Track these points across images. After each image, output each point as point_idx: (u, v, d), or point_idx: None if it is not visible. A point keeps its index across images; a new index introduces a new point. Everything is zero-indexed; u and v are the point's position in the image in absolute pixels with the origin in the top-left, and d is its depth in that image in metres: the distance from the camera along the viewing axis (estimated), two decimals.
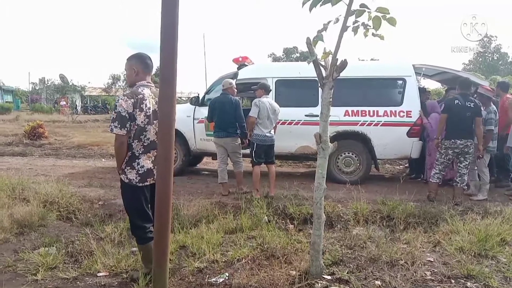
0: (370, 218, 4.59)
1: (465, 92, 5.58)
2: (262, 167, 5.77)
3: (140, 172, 2.93)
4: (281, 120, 6.38)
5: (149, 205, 3.01)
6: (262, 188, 5.69)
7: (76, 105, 35.59)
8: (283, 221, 4.64)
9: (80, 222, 4.68)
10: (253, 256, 3.43)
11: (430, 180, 5.74)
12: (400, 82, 6.81)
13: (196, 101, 7.42)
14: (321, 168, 2.98)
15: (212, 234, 3.89)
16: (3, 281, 3.08)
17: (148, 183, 2.97)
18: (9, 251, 3.71)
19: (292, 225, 4.55)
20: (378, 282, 2.94)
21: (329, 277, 2.99)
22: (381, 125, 6.62)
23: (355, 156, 6.79)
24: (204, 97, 7.42)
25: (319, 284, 2.87)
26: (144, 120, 2.88)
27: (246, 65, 7.58)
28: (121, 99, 2.83)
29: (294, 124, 6.84)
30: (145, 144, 2.94)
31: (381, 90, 6.97)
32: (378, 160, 6.90)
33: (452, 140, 5.40)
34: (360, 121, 6.68)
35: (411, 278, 2.99)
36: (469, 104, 5.41)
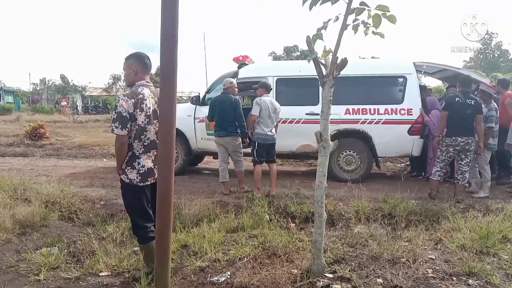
0: (371, 216, 4.60)
1: (466, 89, 5.57)
2: (263, 166, 5.78)
3: (141, 171, 2.93)
4: (282, 118, 6.38)
5: (150, 205, 3.01)
6: (263, 187, 5.69)
7: (77, 105, 35.61)
8: (285, 220, 4.65)
9: (82, 222, 4.69)
10: (255, 255, 3.44)
11: (431, 177, 5.74)
12: (400, 80, 6.80)
13: (196, 101, 7.43)
14: (322, 167, 2.98)
15: (213, 233, 3.90)
16: (6, 281, 3.09)
17: (149, 183, 2.97)
18: (11, 251, 3.73)
19: (294, 224, 4.56)
20: (379, 280, 2.95)
21: (330, 275, 2.99)
22: (382, 123, 6.61)
23: (356, 154, 6.78)
24: (204, 96, 7.42)
25: (321, 282, 2.87)
26: (144, 120, 2.88)
27: (247, 64, 7.58)
28: (121, 99, 2.82)
29: (295, 123, 6.84)
30: (146, 144, 2.94)
31: (382, 88, 6.95)
32: (379, 158, 6.90)
33: (453, 138, 5.39)
34: (361, 119, 6.68)
35: (413, 275, 2.99)
36: (470, 101, 5.40)
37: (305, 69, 6.06)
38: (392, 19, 2.52)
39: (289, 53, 46.89)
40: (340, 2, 2.56)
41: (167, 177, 2.41)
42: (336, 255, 3.36)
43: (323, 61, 2.92)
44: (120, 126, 2.79)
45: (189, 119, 7.31)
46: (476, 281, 2.96)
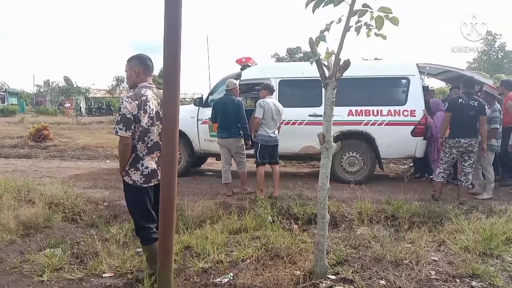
0: (374, 218, 4.59)
1: (469, 90, 5.56)
2: (266, 168, 5.78)
3: (145, 173, 2.94)
4: (285, 120, 6.38)
5: (153, 206, 3.02)
6: (266, 188, 5.70)
7: (81, 107, 35.77)
8: (287, 221, 4.64)
9: (85, 223, 4.71)
10: (258, 256, 3.44)
11: (435, 179, 5.72)
12: (404, 81, 6.78)
13: (199, 102, 7.44)
14: (325, 168, 2.98)
15: (216, 235, 3.90)
16: (10, 282, 3.11)
17: (152, 184, 2.98)
18: (15, 252, 3.74)
19: (296, 225, 4.55)
20: (382, 282, 2.94)
21: (333, 277, 2.99)
22: (385, 125, 6.60)
23: (359, 156, 6.77)
24: (207, 98, 7.44)
25: (324, 284, 2.87)
26: (148, 121, 2.89)
27: (250, 66, 7.59)
28: (125, 101, 2.82)
29: (297, 124, 6.84)
30: (149, 145, 2.95)
31: (385, 90, 6.94)
32: (382, 160, 6.89)
33: (456, 139, 5.37)
34: (364, 120, 6.67)
35: (416, 277, 2.99)
36: (473, 102, 5.38)
37: (308, 70, 6.05)
38: (394, 21, 2.53)
39: (292, 54, 46.86)
40: (343, 4, 2.56)
41: (170, 178, 2.41)
42: (339, 256, 3.36)
43: (326, 63, 2.93)
44: (124, 128, 2.79)
45: (192, 120, 7.32)
46: (480, 283, 2.95)
